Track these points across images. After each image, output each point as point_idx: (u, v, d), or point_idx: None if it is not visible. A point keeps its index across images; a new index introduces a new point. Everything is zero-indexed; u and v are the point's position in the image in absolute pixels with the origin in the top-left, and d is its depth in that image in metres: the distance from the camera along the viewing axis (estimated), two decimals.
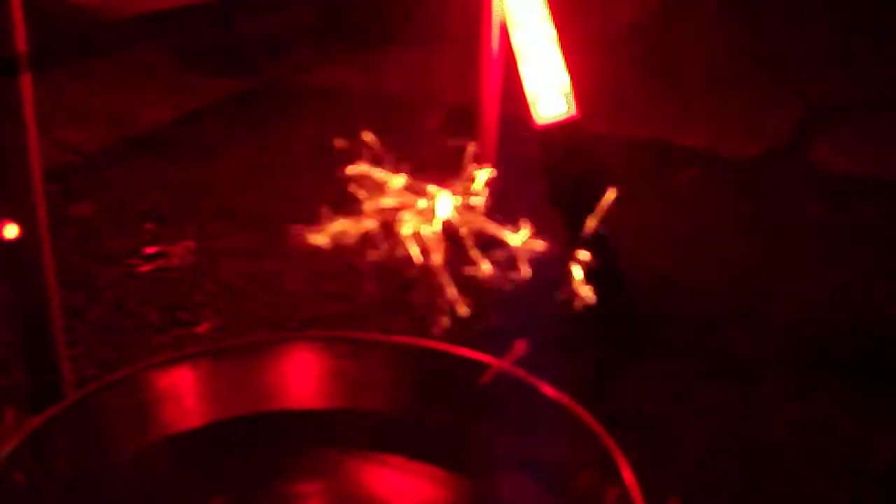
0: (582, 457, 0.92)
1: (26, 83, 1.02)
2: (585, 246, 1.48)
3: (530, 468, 0.97)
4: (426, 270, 1.65)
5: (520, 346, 0.99)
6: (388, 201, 1.82)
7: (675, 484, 1.26)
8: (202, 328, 1.53)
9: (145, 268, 1.69)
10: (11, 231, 1.04)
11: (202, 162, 2.08)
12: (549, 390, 0.96)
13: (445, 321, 1.57)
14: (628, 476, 0.86)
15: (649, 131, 2.16)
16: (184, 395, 1.02)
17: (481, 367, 1.00)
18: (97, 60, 2.53)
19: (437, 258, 1.32)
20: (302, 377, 1.05)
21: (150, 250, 1.74)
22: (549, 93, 1.45)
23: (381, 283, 1.65)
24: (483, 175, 1.64)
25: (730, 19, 2.81)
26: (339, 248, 1.79)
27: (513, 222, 1.44)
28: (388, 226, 1.83)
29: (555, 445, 0.95)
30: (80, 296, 1.62)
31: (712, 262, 1.74)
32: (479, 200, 1.58)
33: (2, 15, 0.99)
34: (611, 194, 1.50)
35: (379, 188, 1.94)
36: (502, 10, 1.50)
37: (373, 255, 1.75)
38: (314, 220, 1.90)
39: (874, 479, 1.29)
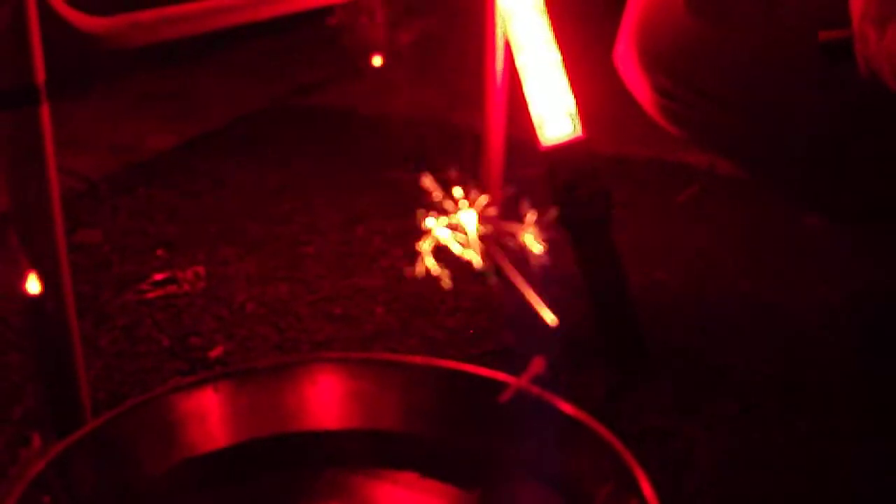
0: (601, 472, 0.93)
1: (45, 113, 1.04)
2: (592, 264, 1.50)
3: (549, 484, 0.99)
4: (436, 291, 1.67)
5: (537, 364, 1.00)
6: (397, 222, 1.84)
7: (689, 497, 1.27)
8: (214, 353, 1.54)
9: (155, 294, 1.70)
10: (34, 286, 1.05)
11: (208, 187, 2.09)
12: (566, 407, 0.97)
13: (456, 340, 1.59)
14: (647, 489, 0.87)
15: (650, 150, 2.17)
16: (206, 417, 1.03)
17: (499, 385, 1.02)
18: (98, 87, 2.55)
19: (446, 279, 1.34)
20: (321, 398, 1.07)
21: (160, 276, 1.75)
22: (555, 114, 1.46)
23: (391, 306, 1.67)
24: (490, 196, 1.66)
25: None
26: (348, 270, 1.82)
27: (520, 243, 1.46)
28: (398, 247, 1.85)
29: (573, 461, 0.97)
30: (90, 322, 1.62)
31: (714, 278, 1.75)
32: (486, 220, 1.60)
33: (22, 45, 1.00)
34: (615, 213, 1.52)
35: (388, 209, 1.96)
36: (506, 32, 1.52)
37: (383, 279, 1.77)
38: (324, 243, 1.92)
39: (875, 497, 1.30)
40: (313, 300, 1.68)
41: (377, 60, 1.79)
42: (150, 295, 1.70)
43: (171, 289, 1.71)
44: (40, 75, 1.02)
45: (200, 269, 1.76)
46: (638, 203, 1.98)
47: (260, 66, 2.77)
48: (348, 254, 1.82)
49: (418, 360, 1.09)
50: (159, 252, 1.83)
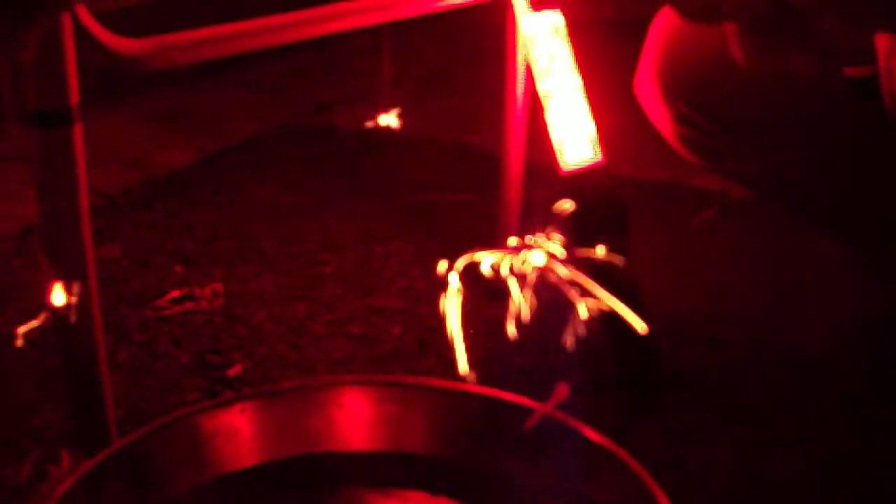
0: (624, 498, 0.94)
1: (78, 134, 1.05)
2: (610, 287, 1.51)
3: None
4: (449, 314, 1.68)
5: (562, 390, 1.01)
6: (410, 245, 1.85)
7: None
8: (233, 371, 1.55)
9: (174, 310, 1.71)
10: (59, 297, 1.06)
11: (226, 204, 2.10)
12: (591, 433, 0.98)
13: (470, 364, 1.59)
14: None
15: (668, 174, 2.18)
16: (232, 437, 1.04)
17: (524, 410, 1.03)
18: (117, 102, 2.56)
19: (460, 301, 1.35)
20: (347, 420, 1.08)
21: (178, 293, 1.76)
22: (576, 139, 1.47)
23: (409, 325, 1.68)
24: (509, 219, 1.67)
25: None
26: (366, 290, 1.82)
27: (538, 265, 1.46)
28: (416, 267, 1.85)
29: (597, 486, 0.97)
30: (110, 338, 1.63)
31: (729, 301, 1.76)
32: (504, 243, 1.61)
33: (58, 67, 1.01)
34: (634, 236, 1.53)
35: (406, 229, 1.97)
36: (528, 57, 1.53)
37: (400, 299, 1.78)
38: (341, 262, 1.93)
39: None
40: (331, 319, 1.69)
41: (394, 84, 1.81)
42: (169, 311, 1.71)
43: (189, 306, 1.72)
44: (74, 97, 1.04)
45: (218, 287, 1.77)
46: (655, 226, 1.99)
47: (277, 85, 2.79)
48: (366, 273, 1.83)
49: (444, 383, 1.10)
50: (178, 268, 1.84)
